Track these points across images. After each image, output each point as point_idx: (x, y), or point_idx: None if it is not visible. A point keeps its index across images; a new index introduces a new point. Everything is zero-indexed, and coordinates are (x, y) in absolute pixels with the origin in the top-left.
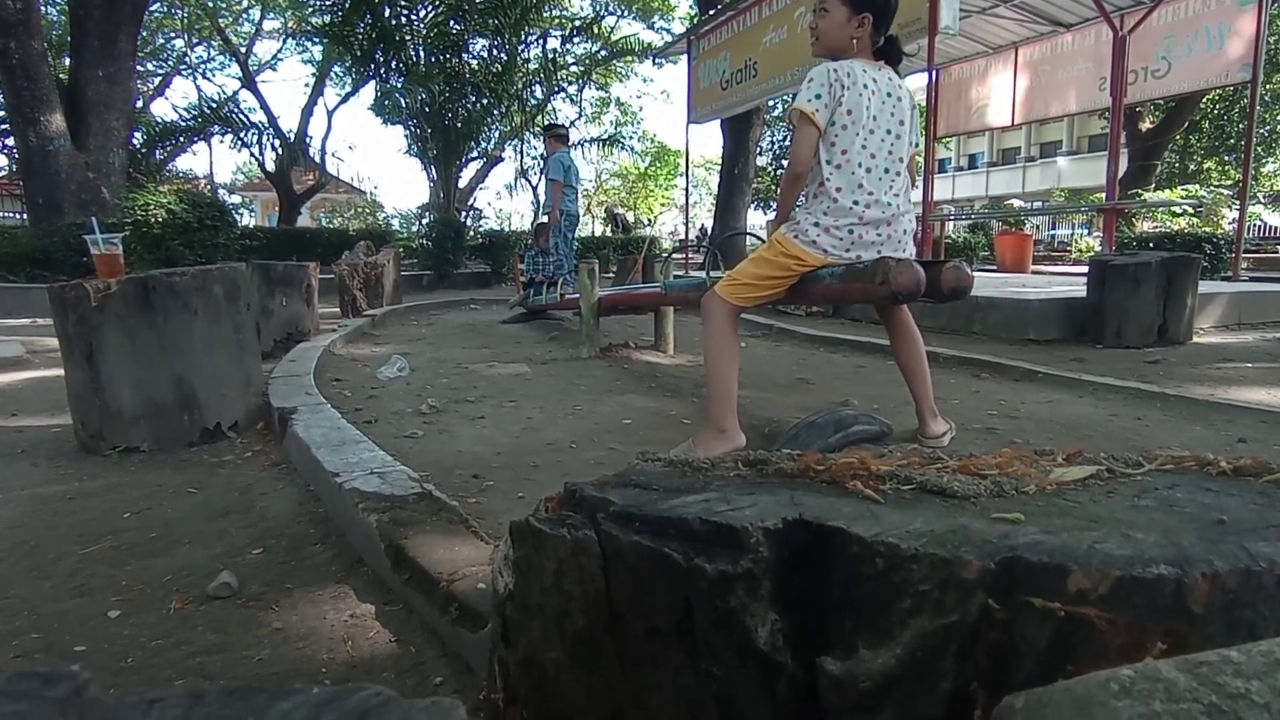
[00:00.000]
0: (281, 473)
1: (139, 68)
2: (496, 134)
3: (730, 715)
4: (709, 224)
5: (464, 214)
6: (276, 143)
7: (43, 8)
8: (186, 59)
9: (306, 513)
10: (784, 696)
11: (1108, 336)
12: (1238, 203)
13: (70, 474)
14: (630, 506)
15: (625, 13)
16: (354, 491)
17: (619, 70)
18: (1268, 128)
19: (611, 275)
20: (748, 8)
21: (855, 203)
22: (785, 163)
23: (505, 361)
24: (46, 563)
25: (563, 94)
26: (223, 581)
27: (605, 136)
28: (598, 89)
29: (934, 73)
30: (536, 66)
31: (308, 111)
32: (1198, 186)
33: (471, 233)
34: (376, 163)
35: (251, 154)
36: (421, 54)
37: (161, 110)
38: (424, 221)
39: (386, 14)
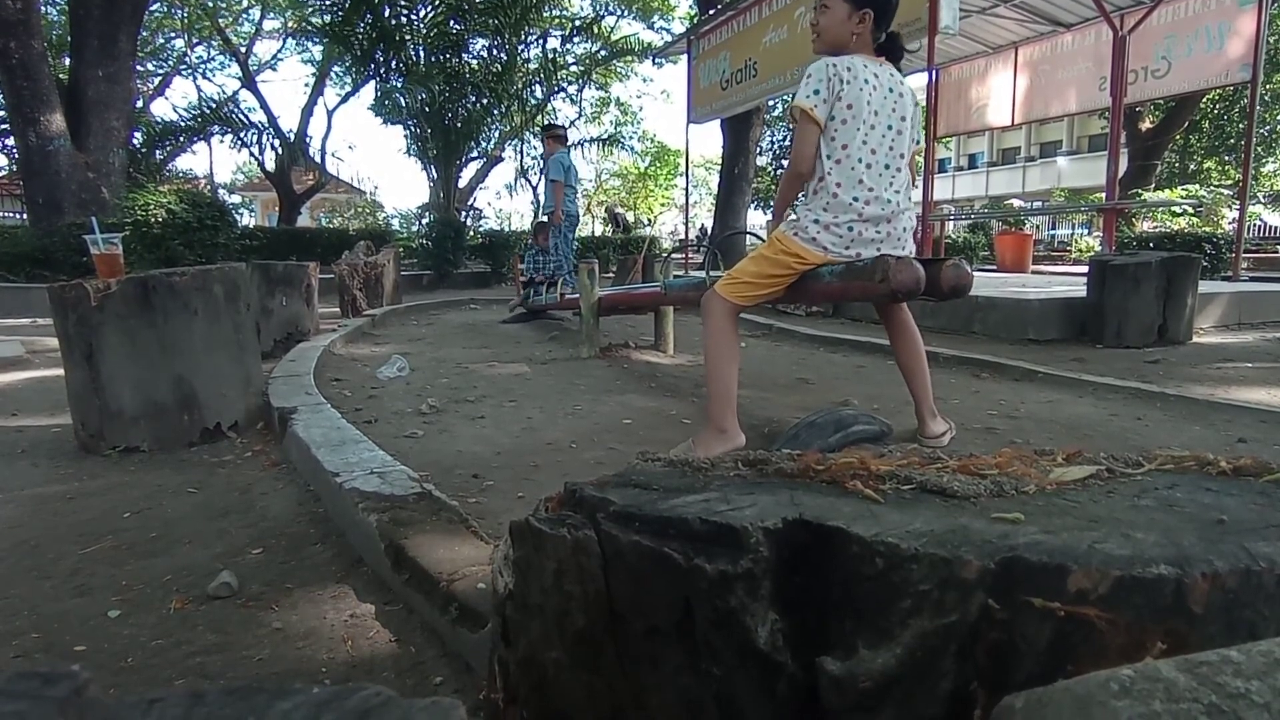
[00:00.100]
0: (281, 473)
1: (139, 68)
2: (496, 134)
3: (730, 715)
4: (709, 224)
5: (464, 214)
6: (276, 143)
7: (43, 8)
8: (186, 59)
9: (306, 513)
10: (784, 696)
11: (1108, 336)
12: (1238, 202)
13: (70, 474)
14: (630, 506)
15: (625, 12)
16: (354, 491)
17: (619, 70)
18: (1268, 127)
19: (611, 275)
20: (748, 7)
21: (855, 199)
22: (785, 162)
23: (505, 361)
24: (46, 562)
25: (563, 94)
26: (223, 581)
27: (605, 136)
28: (598, 89)
29: (934, 72)
30: (536, 66)
31: (308, 111)
32: (1198, 186)
33: (471, 233)
34: (376, 163)
35: (251, 154)
36: (421, 54)
37: (161, 110)
38: (424, 221)
39: (386, 14)
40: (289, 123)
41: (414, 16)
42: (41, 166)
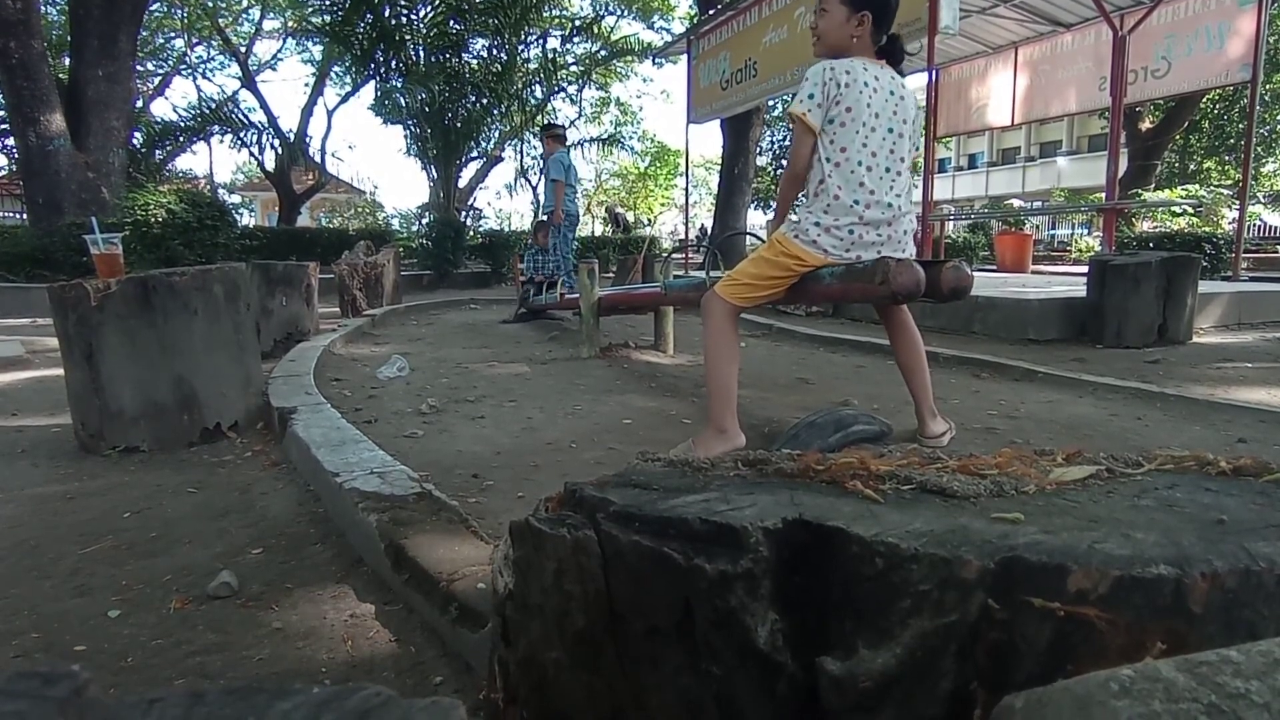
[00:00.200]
0: (281, 472)
1: (139, 67)
2: (496, 134)
3: (730, 715)
4: (709, 224)
5: (464, 214)
6: (276, 142)
7: (43, 7)
8: (186, 59)
9: (306, 512)
10: (784, 696)
11: (1108, 336)
12: (1237, 202)
13: (70, 474)
14: (630, 506)
15: (625, 12)
16: (354, 491)
17: (619, 70)
18: (1267, 127)
19: (611, 275)
20: (747, 7)
21: (856, 202)
22: (785, 162)
23: (505, 361)
24: (46, 562)
25: (562, 94)
26: (223, 581)
27: (605, 136)
28: (597, 89)
29: (934, 72)
30: (536, 66)
31: (308, 111)
32: (1198, 186)
33: (471, 232)
34: (376, 163)
35: (251, 154)
36: (421, 54)
37: (161, 110)
38: (424, 221)
39: (386, 13)
40: (289, 123)
41: (414, 16)
42: (41, 166)
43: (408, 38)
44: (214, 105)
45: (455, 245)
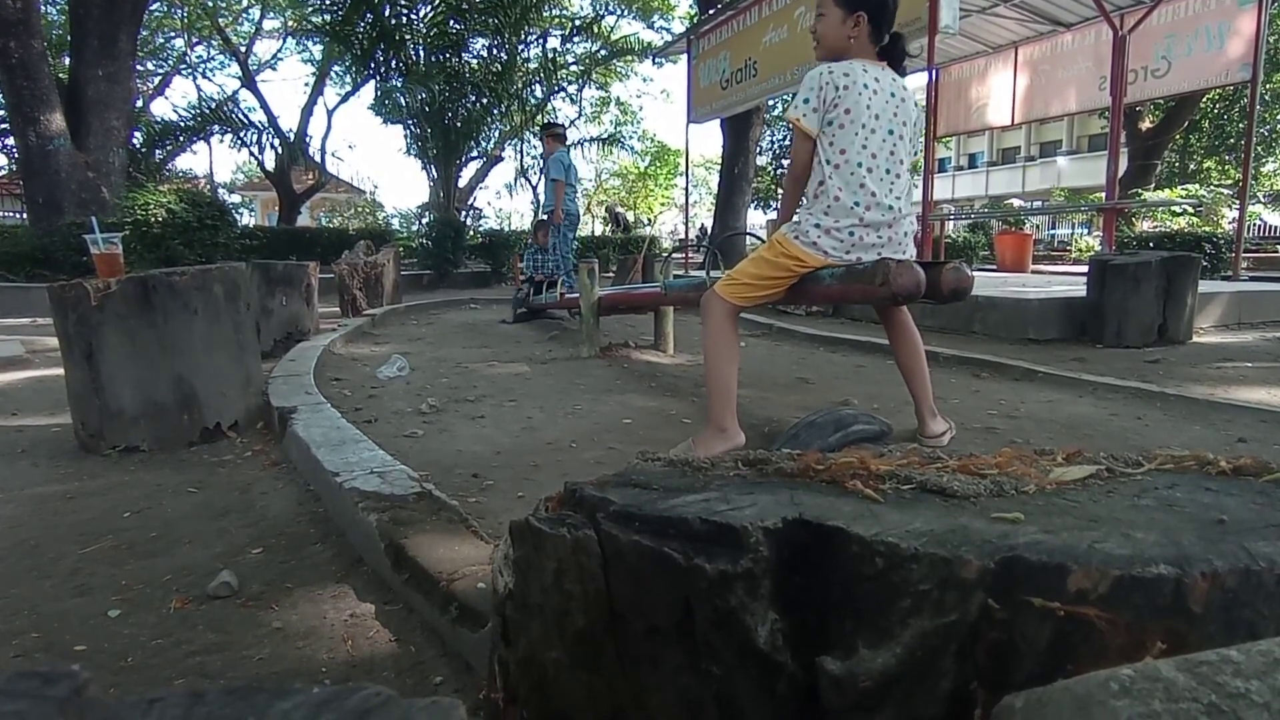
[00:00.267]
0: (281, 472)
1: (139, 67)
2: (496, 133)
3: (730, 715)
4: (709, 223)
5: (464, 213)
6: (276, 142)
7: (43, 7)
8: (186, 58)
9: (306, 512)
10: (784, 696)
11: (1108, 336)
12: (1237, 202)
13: (70, 473)
14: (630, 506)
15: (625, 12)
16: (354, 491)
17: (619, 70)
18: (1268, 127)
19: (611, 275)
20: (747, 7)
21: (856, 203)
22: (785, 162)
23: (505, 361)
24: (46, 562)
25: (562, 93)
26: (223, 581)
27: (605, 136)
28: (597, 88)
29: (934, 72)
30: (536, 66)
31: (308, 111)
32: (1198, 186)
33: (471, 232)
34: (376, 162)
35: (251, 153)
36: (421, 53)
37: (161, 110)
38: (424, 221)
39: (386, 13)
40: (289, 122)
41: (414, 16)
42: (41, 166)
43: (408, 37)
44: (214, 105)
45: (455, 245)
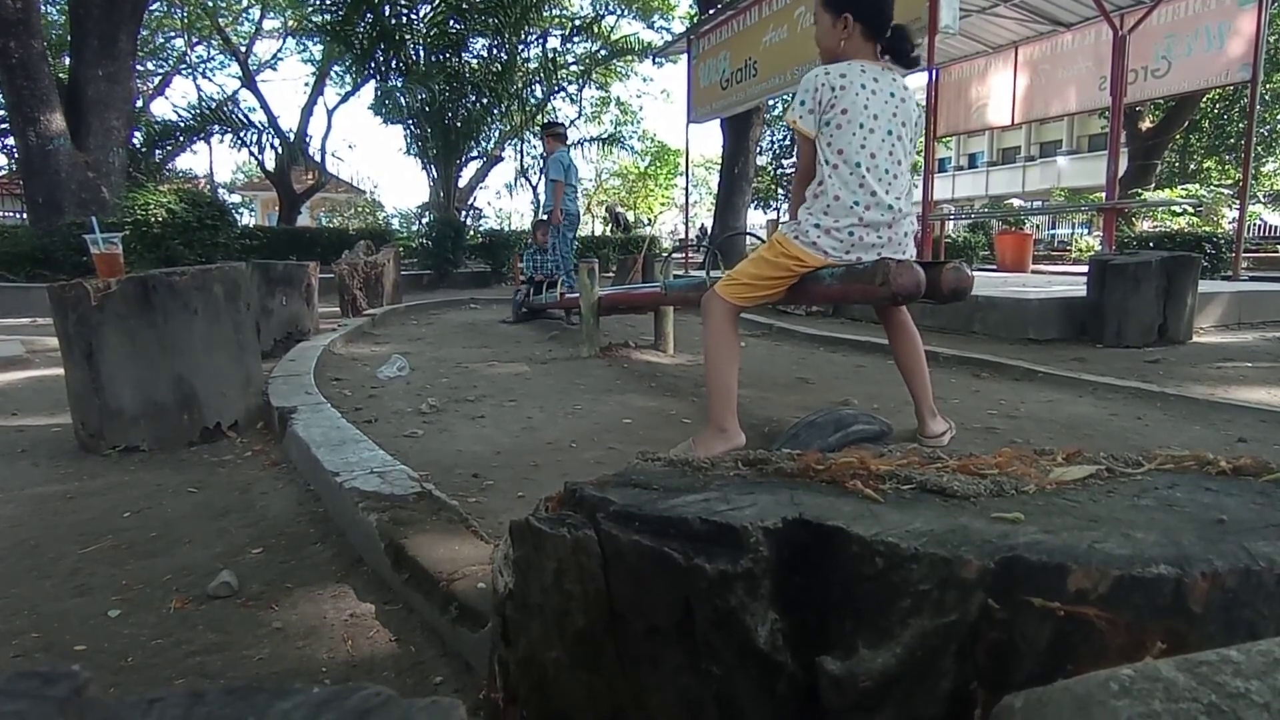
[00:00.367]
0: (281, 472)
1: (139, 67)
2: (496, 133)
3: (730, 715)
4: (709, 223)
5: (464, 213)
6: (276, 142)
7: (43, 7)
8: (186, 58)
9: (306, 512)
10: (784, 696)
11: (1108, 336)
12: (1238, 202)
13: (70, 473)
14: (630, 506)
15: (625, 12)
16: (354, 491)
17: (619, 69)
18: (1268, 127)
19: (611, 275)
20: (747, 7)
21: (856, 203)
22: (786, 162)
23: (505, 361)
24: (46, 562)
25: (562, 93)
26: (223, 581)
27: (605, 136)
28: (598, 88)
29: (934, 72)
30: (536, 66)
31: (308, 111)
32: (1198, 186)
33: (471, 232)
34: (376, 162)
35: (251, 153)
36: (421, 53)
37: (161, 110)
38: (424, 221)
39: (387, 13)
40: (289, 122)
41: (414, 16)
42: (41, 166)
43: (408, 37)
44: (214, 105)
45: (455, 245)
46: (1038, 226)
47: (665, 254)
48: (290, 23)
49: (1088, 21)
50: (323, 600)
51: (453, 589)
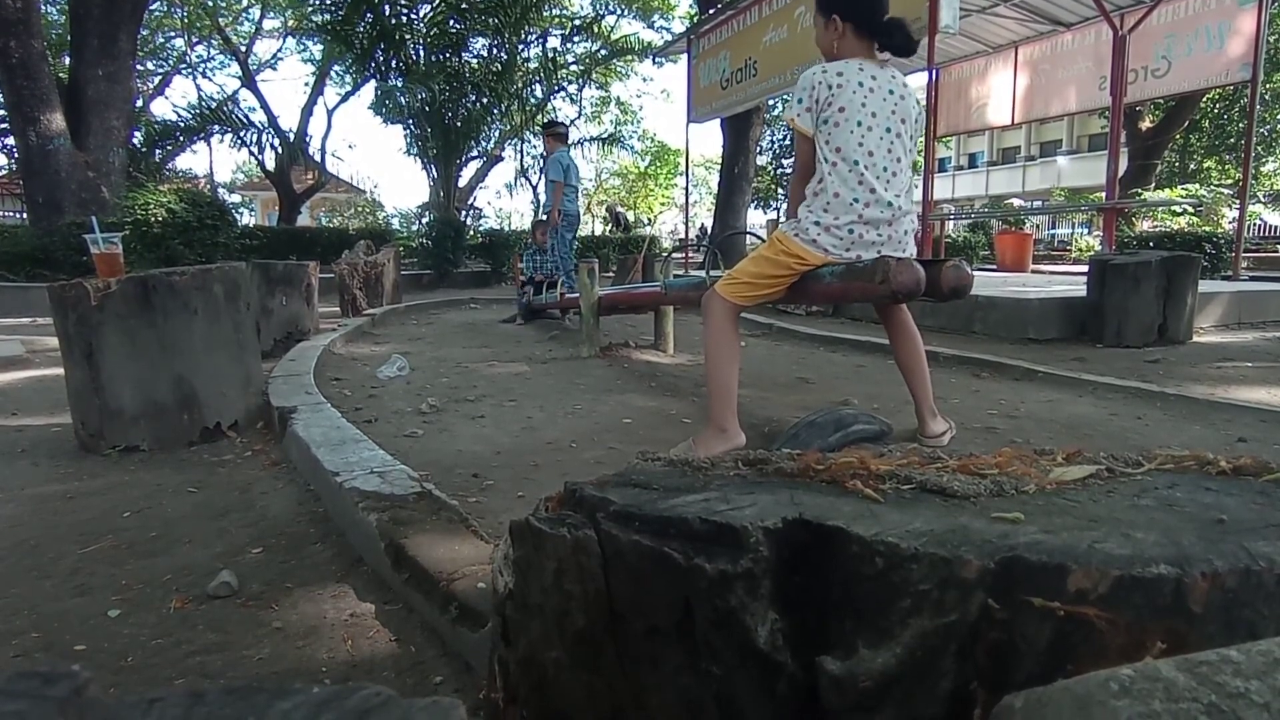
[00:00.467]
0: (281, 472)
1: (139, 67)
2: (496, 133)
3: (730, 715)
4: (709, 223)
5: (464, 213)
6: (276, 142)
7: (43, 7)
8: (186, 58)
9: (306, 512)
10: (784, 696)
11: (1108, 336)
12: (1238, 202)
13: (70, 473)
14: (630, 506)
15: (625, 12)
16: (354, 491)
17: (619, 69)
18: (1268, 127)
19: (611, 275)
20: (747, 7)
21: (855, 200)
22: (786, 161)
23: (505, 361)
24: (46, 562)
25: (562, 93)
26: (223, 581)
27: (605, 136)
28: (598, 88)
29: (934, 72)
30: (536, 66)
31: (308, 111)
32: (1198, 186)
33: (471, 232)
34: (376, 162)
35: (251, 153)
36: (421, 53)
37: (161, 109)
38: (424, 221)
39: (387, 12)
40: (289, 122)
41: (414, 15)
42: (41, 166)
43: (408, 37)
44: (214, 104)
45: (455, 245)
46: (1038, 226)
47: (665, 254)
48: (290, 22)
49: (1088, 21)
50: (323, 600)
51: (453, 589)
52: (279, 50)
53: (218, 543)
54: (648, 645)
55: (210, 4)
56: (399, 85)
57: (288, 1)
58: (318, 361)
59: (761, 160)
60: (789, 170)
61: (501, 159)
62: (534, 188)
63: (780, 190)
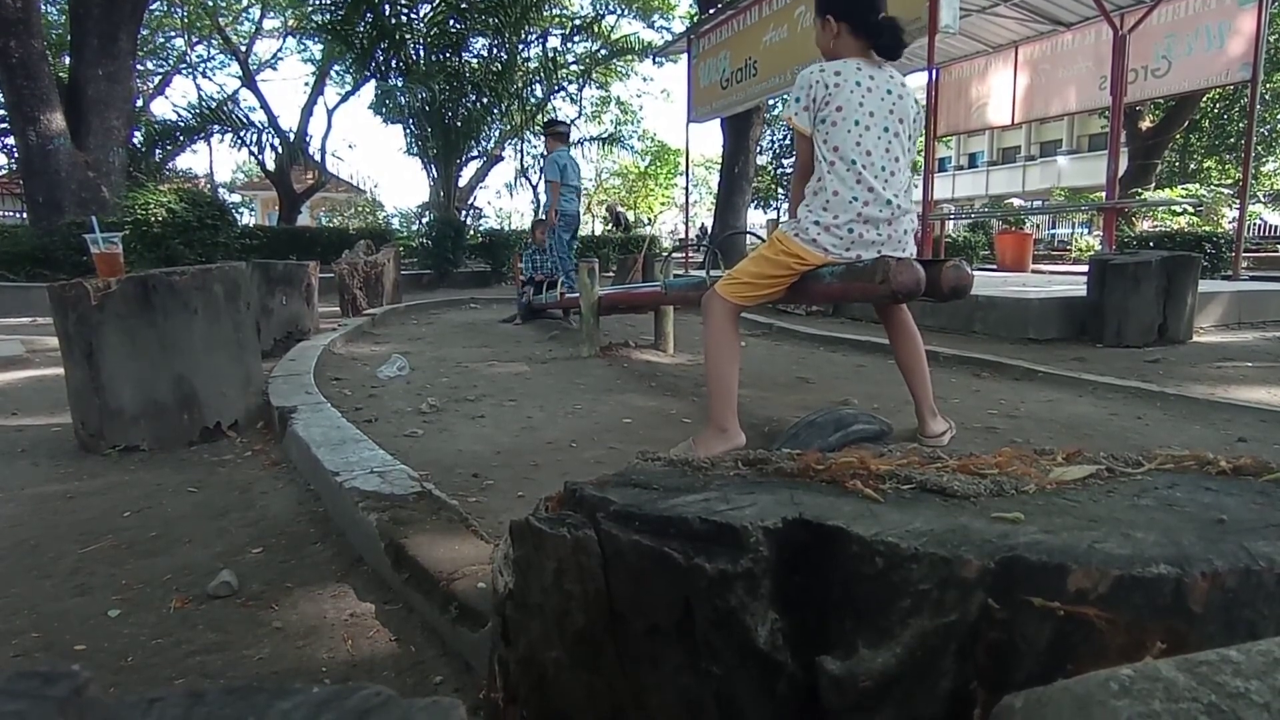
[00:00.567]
0: (281, 472)
1: (139, 66)
2: (496, 133)
3: (730, 715)
4: (709, 223)
5: (464, 213)
6: (276, 142)
7: (43, 6)
8: (186, 58)
9: (306, 512)
10: (784, 696)
11: (1108, 336)
12: (1238, 202)
13: (70, 473)
14: (630, 506)
15: (625, 11)
16: (354, 490)
17: (619, 69)
18: (1268, 127)
19: (611, 274)
20: (747, 7)
21: (854, 199)
22: (786, 161)
23: (505, 360)
24: (46, 561)
25: (563, 93)
26: (223, 580)
27: (605, 135)
28: (598, 88)
29: (934, 72)
30: (536, 65)
31: (308, 110)
32: (1198, 185)
33: (471, 232)
34: (376, 162)
35: (251, 153)
36: (422, 52)
37: (161, 109)
38: (424, 220)
39: (387, 12)
40: (289, 122)
41: (414, 15)
42: (41, 165)
43: (408, 36)
44: (214, 104)
45: (455, 244)
46: (1038, 226)
47: (665, 253)
48: (290, 22)
49: (1088, 21)
50: (323, 600)
51: (453, 589)
52: (279, 50)
53: (218, 542)
54: (648, 645)
55: (210, 4)
56: (399, 85)
57: (288, 1)
58: (318, 361)
59: (762, 160)
60: (789, 170)
61: (501, 159)
62: (534, 187)
63: (780, 190)
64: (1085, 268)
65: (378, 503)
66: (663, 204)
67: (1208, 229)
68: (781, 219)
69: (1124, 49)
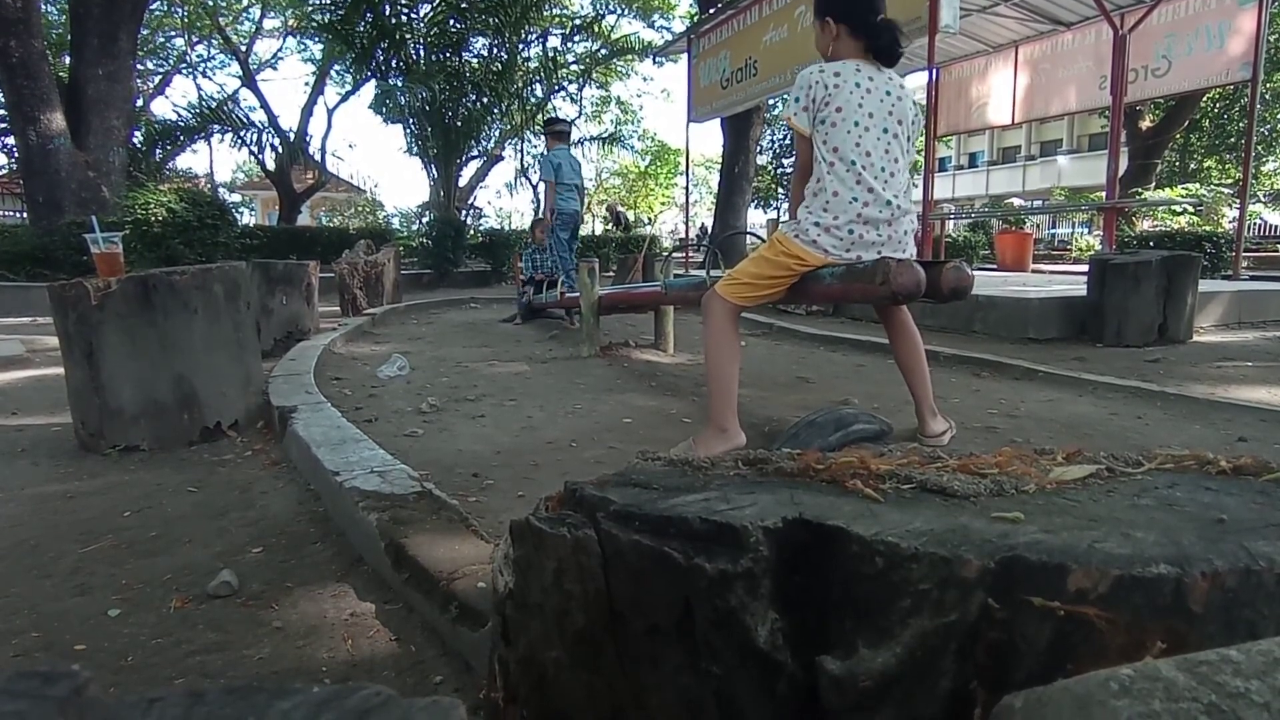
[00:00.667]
0: (281, 471)
1: (139, 66)
2: (497, 133)
3: (730, 715)
4: (709, 223)
5: (464, 213)
6: (276, 141)
7: (43, 6)
8: (186, 57)
9: (306, 511)
10: (784, 696)
11: (1108, 335)
12: (1238, 201)
13: (70, 473)
14: (630, 506)
15: (625, 11)
16: (354, 490)
17: (619, 69)
18: (1268, 126)
19: (611, 274)
20: (748, 6)
21: (854, 199)
22: (786, 161)
23: (505, 360)
24: (46, 561)
25: (563, 93)
26: (223, 580)
27: (605, 135)
28: (598, 87)
29: (934, 71)
30: (537, 65)
31: (308, 110)
32: (1198, 185)
33: (471, 231)
34: (376, 161)
35: (251, 153)
36: (422, 52)
37: (162, 109)
38: (424, 220)
39: (387, 12)
40: (289, 121)
41: (414, 15)
42: (42, 165)
43: (408, 36)
44: (214, 104)
45: (455, 244)
46: (1038, 226)
47: (665, 253)
48: (290, 22)
49: (1088, 21)
50: (323, 600)
51: (453, 588)
52: (279, 50)
53: (218, 542)
54: (648, 645)
55: (210, 3)
56: (399, 85)
57: (288, 1)
58: (318, 361)
59: (762, 160)
60: (789, 170)
61: (501, 158)
62: (534, 187)
63: (781, 190)
64: (1085, 267)
65: (378, 502)
66: (663, 204)
67: (1208, 229)
68: (782, 219)
69: (1124, 49)
